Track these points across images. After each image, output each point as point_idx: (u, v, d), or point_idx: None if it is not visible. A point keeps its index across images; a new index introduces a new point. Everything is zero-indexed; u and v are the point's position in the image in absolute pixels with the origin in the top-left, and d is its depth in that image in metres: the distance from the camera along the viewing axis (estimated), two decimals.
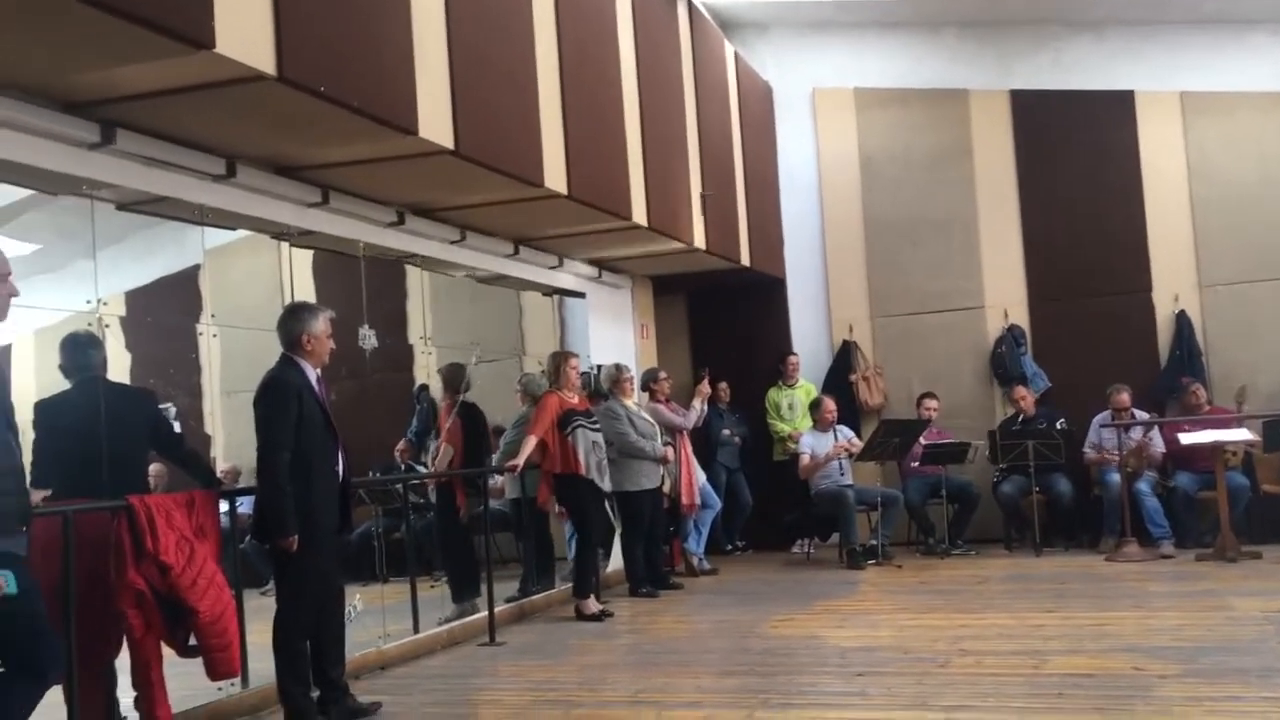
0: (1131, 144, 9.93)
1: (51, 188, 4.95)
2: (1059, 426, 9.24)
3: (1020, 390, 9.63)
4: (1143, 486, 8.78)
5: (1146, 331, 9.79)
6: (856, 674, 5.14)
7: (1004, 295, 10.24)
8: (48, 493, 4.00)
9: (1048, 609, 6.56)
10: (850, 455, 9.27)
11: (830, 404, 9.49)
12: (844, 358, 10.63)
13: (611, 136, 7.42)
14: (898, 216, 10.55)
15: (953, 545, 9.34)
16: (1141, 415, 9.09)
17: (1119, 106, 9.95)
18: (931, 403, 9.83)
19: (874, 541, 9.15)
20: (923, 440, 9.44)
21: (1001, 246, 10.25)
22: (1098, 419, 9.25)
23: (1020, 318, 10.20)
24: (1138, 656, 5.08)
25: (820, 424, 9.43)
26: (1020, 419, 9.53)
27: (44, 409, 4.73)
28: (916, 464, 9.47)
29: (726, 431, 9.96)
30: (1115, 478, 8.79)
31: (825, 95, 10.85)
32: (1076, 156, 10.05)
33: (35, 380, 5.82)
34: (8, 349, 6.08)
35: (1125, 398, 9.05)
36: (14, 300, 3.47)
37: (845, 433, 9.48)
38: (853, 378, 10.52)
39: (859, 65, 10.71)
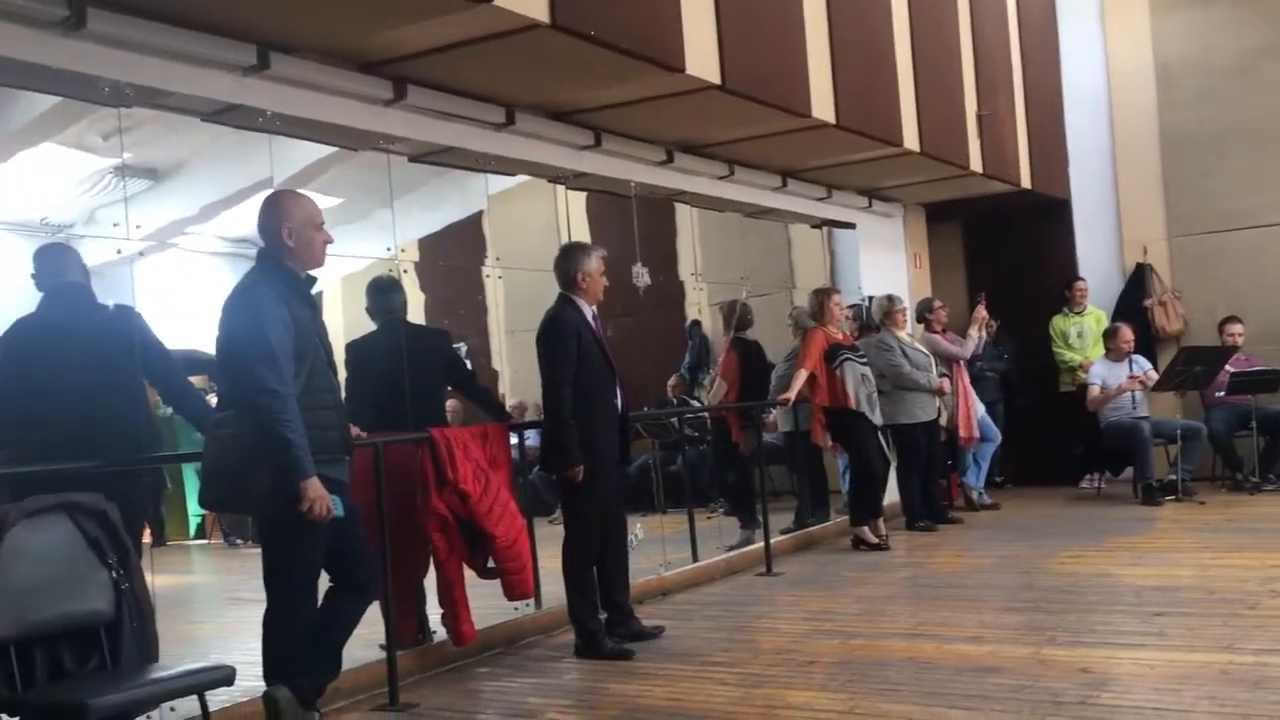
0: None
1: (352, 144, 5.34)
2: None
3: None
4: None
5: None
6: (1154, 614, 4.87)
7: None
8: (364, 433, 4.36)
9: None
10: (1145, 388, 8.70)
11: (1127, 332, 8.90)
12: (1137, 282, 9.94)
13: (880, 60, 7.19)
14: (1199, 128, 9.68)
15: (1264, 480, 8.61)
16: None
17: None
18: (1236, 328, 9.04)
19: (1173, 476, 8.57)
20: (1229, 368, 8.72)
21: None
22: None
23: None
24: None
25: (1114, 353, 8.88)
26: None
27: (354, 349, 5.15)
28: (1222, 394, 8.76)
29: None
30: None
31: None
32: None
33: (343, 323, 6.34)
34: (319, 295, 6.65)
35: None
36: (327, 249, 3.78)
37: (1141, 364, 8.88)
38: (1147, 303, 9.83)
39: None
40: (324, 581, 3.76)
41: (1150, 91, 9.92)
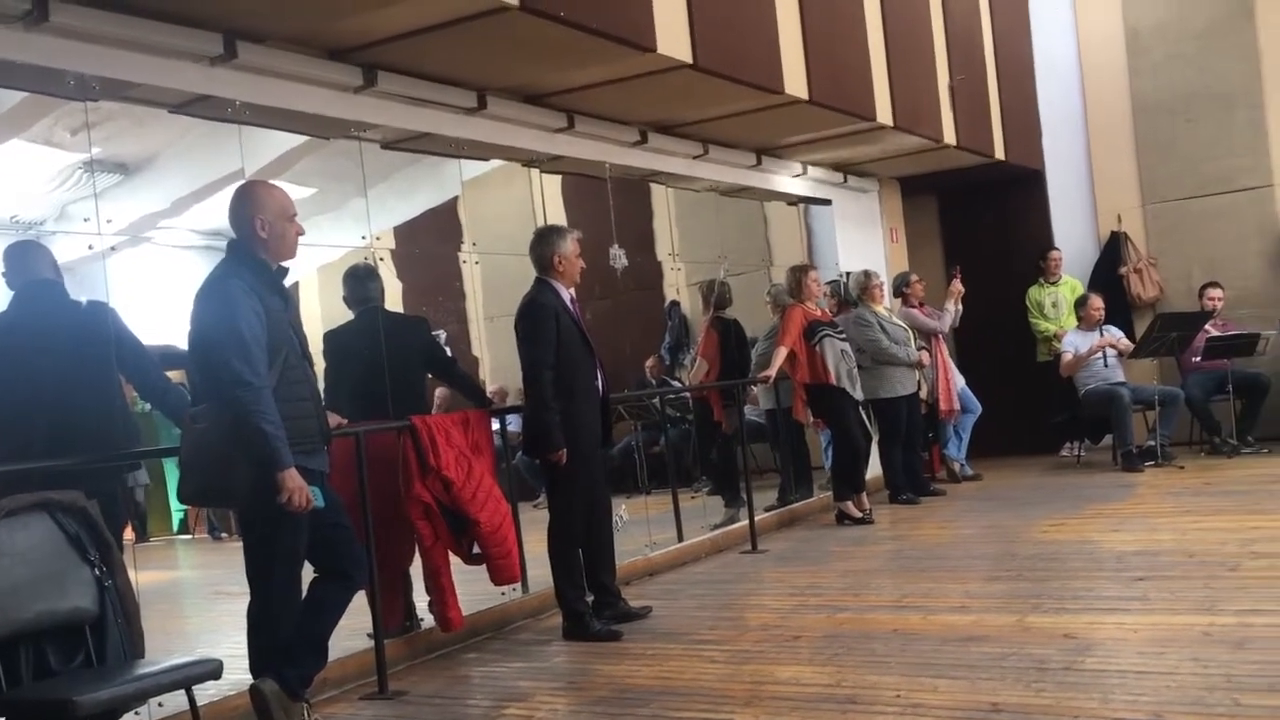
0: None
1: (324, 132, 5.30)
2: None
3: None
4: None
5: None
6: (1136, 578, 4.92)
7: None
8: (344, 421, 4.35)
9: None
10: (1118, 352, 8.76)
11: (1097, 300, 8.96)
12: (1112, 250, 10.00)
13: (851, 34, 7.19)
14: (1170, 94, 9.73)
15: (1242, 443, 8.69)
16: None
17: None
18: (1215, 292, 9.10)
19: (1151, 442, 8.64)
20: (1207, 329, 8.78)
21: None
22: None
23: None
24: None
25: (1086, 322, 8.94)
26: None
27: (332, 339, 5.13)
28: (1198, 359, 8.83)
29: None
30: None
31: None
32: None
33: (320, 313, 6.31)
34: (295, 286, 6.60)
35: None
36: (300, 240, 3.76)
37: (1113, 331, 8.94)
38: (1123, 270, 9.89)
39: None
40: (308, 572, 3.75)
41: (1120, 58, 9.95)
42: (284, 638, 3.59)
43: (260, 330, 3.46)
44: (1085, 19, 10.12)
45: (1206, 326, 8.84)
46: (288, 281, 3.81)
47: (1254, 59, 9.42)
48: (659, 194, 8.04)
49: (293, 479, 3.41)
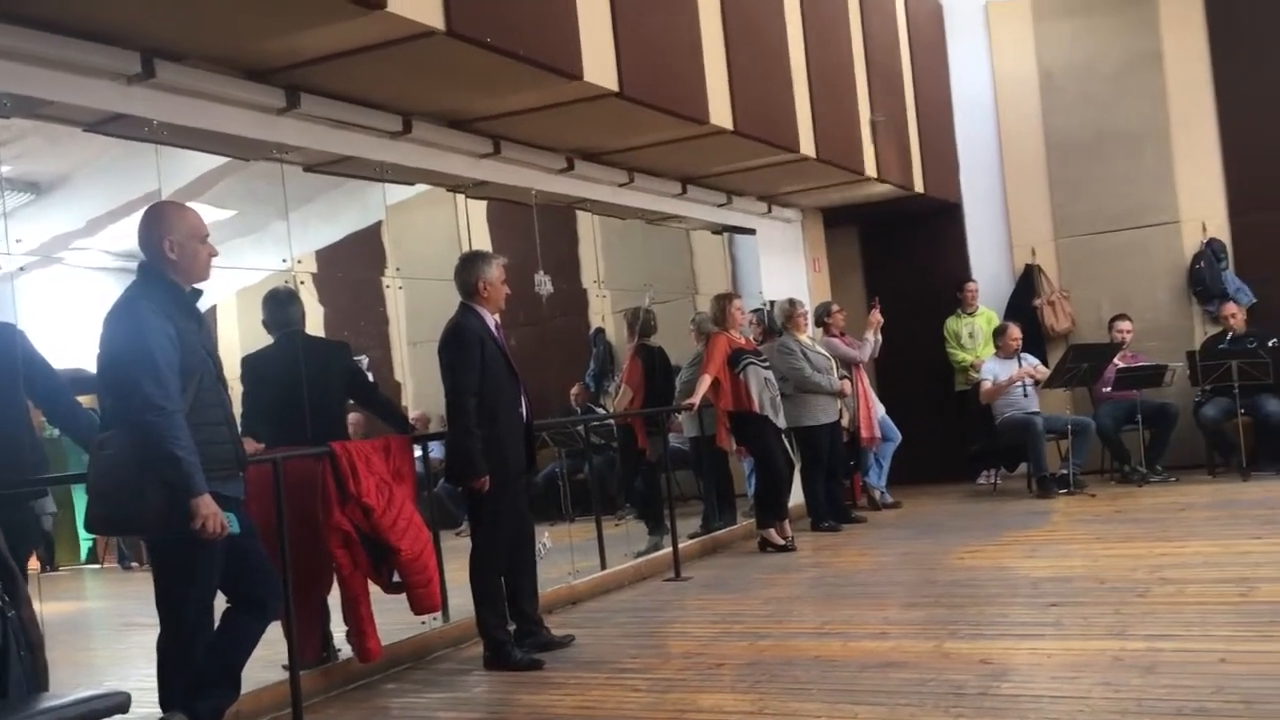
0: None
1: (245, 154, 5.22)
2: (1272, 344, 8.66)
3: (1230, 307, 9.08)
4: None
5: None
6: (1050, 604, 5.02)
7: (1201, 208, 9.65)
8: (262, 446, 4.27)
9: (1256, 535, 6.23)
10: (1036, 381, 8.97)
11: (1015, 330, 9.18)
12: (1027, 282, 10.25)
13: (776, 68, 7.30)
14: (1082, 132, 10.04)
15: (1150, 472, 8.94)
16: None
17: None
18: (1124, 324, 9.37)
19: (1065, 470, 8.85)
20: (1116, 363, 9.04)
21: (1198, 156, 9.65)
22: None
23: (1220, 231, 9.60)
24: None
25: (1004, 351, 9.14)
26: (1229, 337, 8.99)
27: (249, 363, 5.03)
28: (1109, 389, 9.08)
29: None
30: None
31: (1000, 8, 10.37)
32: (1279, 54, 9.31)
33: (239, 337, 6.19)
34: (212, 309, 6.48)
35: None
36: (216, 262, 3.69)
37: (1030, 359, 9.16)
38: (1037, 302, 10.15)
39: None
40: (221, 601, 3.66)
41: (1035, 98, 10.25)
42: (195, 670, 3.50)
43: (172, 353, 3.38)
44: (1000, 59, 10.41)
45: (1116, 359, 9.09)
46: (203, 304, 3.74)
47: (1161, 100, 9.77)
48: (585, 221, 8.05)
49: (206, 505, 3.33)
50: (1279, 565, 5.34)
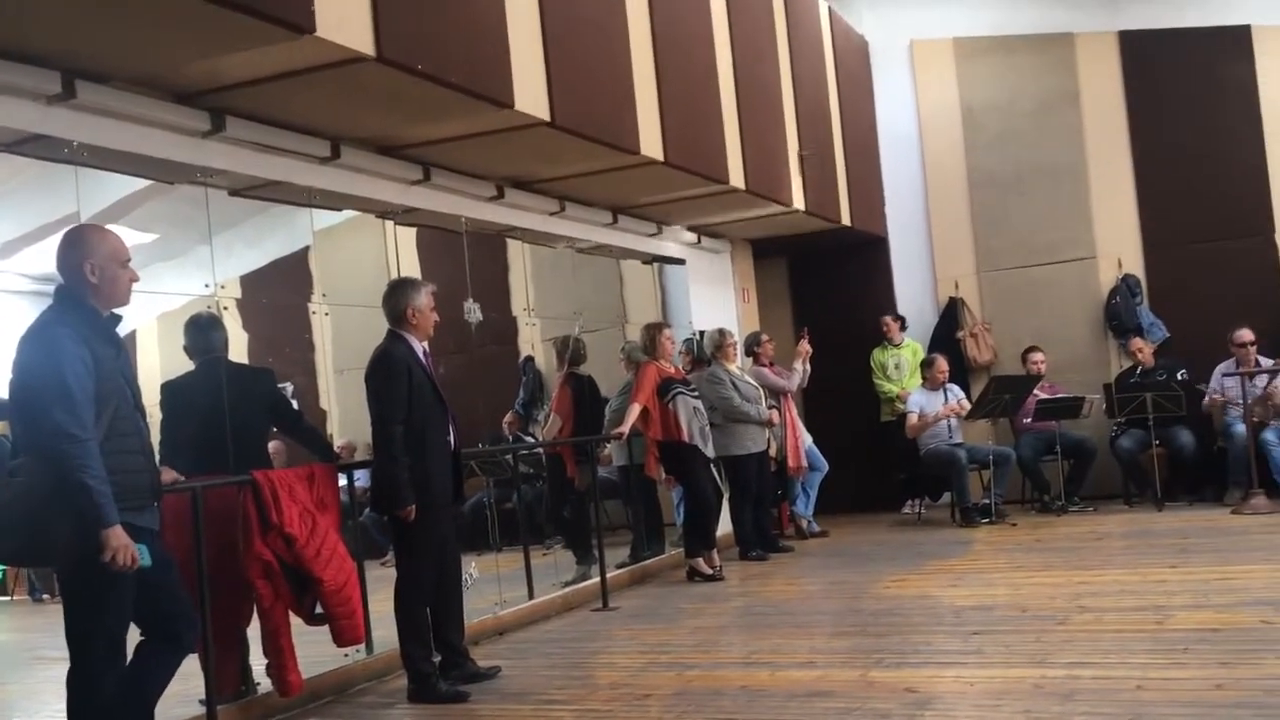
0: (1249, 80, 9.50)
1: (168, 177, 5.13)
2: (1180, 377, 8.93)
3: (1137, 342, 9.34)
4: (1270, 436, 8.44)
5: (1269, 275, 9.40)
6: (972, 632, 5.09)
7: (1117, 244, 9.93)
8: (182, 477, 4.17)
9: (1171, 564, 6.39)
10: (960, 416, 9.13)
11: (943, 363, 9.33)
12: (950, 315, 10.45)
13: (706, 101, 7.38)
14: (1003, 168, 10.29)
15: (1069, 502, 9.13)
16: (1266, 363, 8.74)
17: (1234, 42, 9.52)
18: (1037, 356, 9.57)
19: (987, 500, 9.00)
20: (1036, 394, 9.23)
21: (1113, 194, 9.94)
22: (1221, 367, 8.93)
23: (1135, 266, 9.88)
24: (1266, 610, 4.92)
25: (931, 383, 9.29)
26: (1139, 371, 9.24)
27: (169, 390, 4.92)
28: (1029, 420, 9.27)
29: None
30: (1240, 428, 8.46)
31: (924, 47, 10.61)
32: (1190, 96, 9.65)
33: (160, 363, 6.06)
34: (132, 334, 6.33)
35: (1246, 333, 8.67)
36: (137, 287, 3.61)
37: (956, 392, 9.31)
38: (960, 335, 10.34)
39: (958, 14, 10.43)
40: (135, 634, 3.56)
41: (958, 134, 10.49)
42: (106, 705, 3.39)
43: (87, 380, 3.29)
44: (925, 96, 10.63)
45: (1036, 390, 9.29)
46: (122, 329, 3.65)
47: (1079, 138, 10.05)
48: (515, 249, 8.04)
49: (117, 537, 3.24)
50: (1193, 594, 5.47)
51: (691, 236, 9.25)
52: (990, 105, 10.37)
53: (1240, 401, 8.45)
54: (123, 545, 3.25)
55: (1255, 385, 8.56)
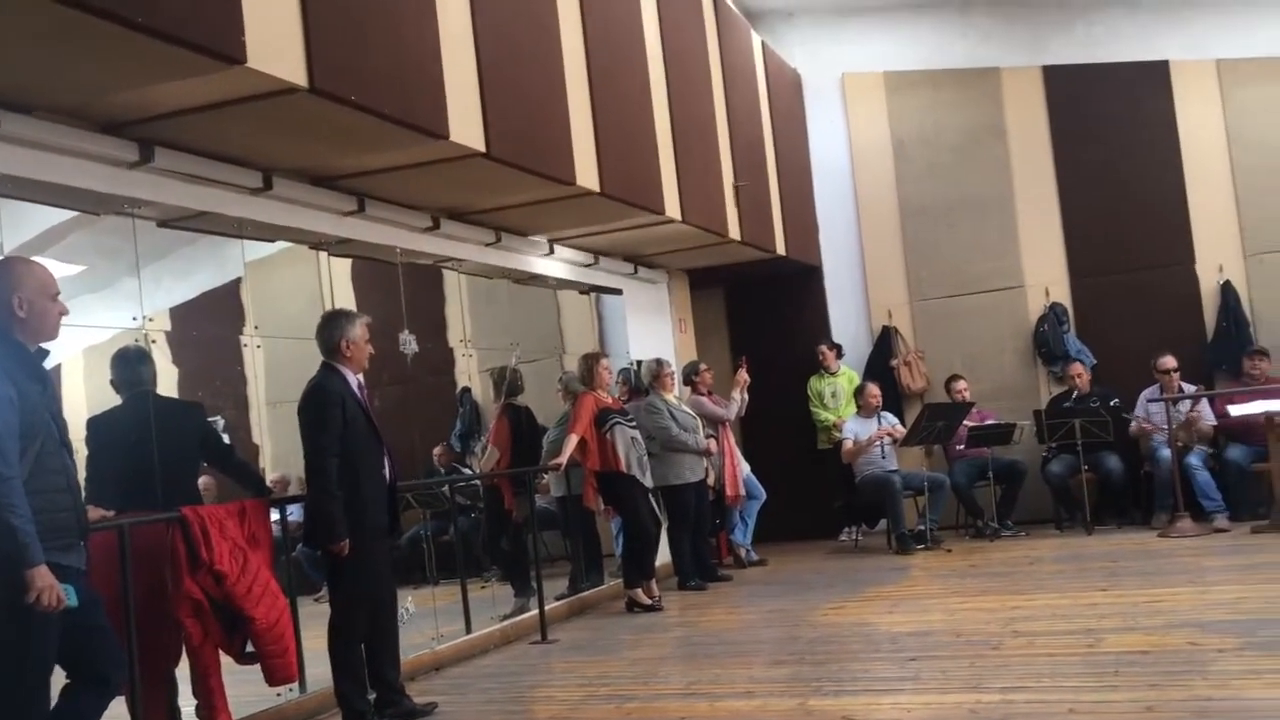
0: (1168, 115, 9.80)
1: (94, 208, 5.03)
2: (1113, 404, 9.13)
3: (1076, 367, 9.53)
4: (1194, 460, 8.67)
5: (1191, 304, 9.67)
6: (909, 659, 5.13)
7: (1044, 273, 10.16)
8: (110, 513, 4.08)
9: (1101, 587, 6.50)
10: (894, 440, 9.24)
11: (874, 390, 9.46)
12: (884, 343, 10.59)
13: (642, 132, 7.43)
14: (933, 199, 10.49)
15: (1002, 527, 9.27)
16: (1189, 389, 8.97)
17: (1154, 77, 9.82)
18: (961, 384, 9.73)
19: (921, 526, 9.11)
20: (967, 423, 9.38)
21: (1040, 225, 10.17)
22: (1145, 394, 9.14)
23: (1062, 295, 10.11)
24: (1194, 631, 5.03)
25: (864, 410, 9.40)
26: (1074, 395, 9.42)
27: (96, 425, 4.82)
28: (962, 447, 9.41)
29: None
30: (1166, 453, 8.66)
31: (855, 80, 10.80)
32: (1113, 130, 9.93)
33: (86, 398, 5.92)
34: (58, 368, 6.19)
35: (1169, 360, 8.90)
36: (64, 320, 3.54)
37: (889, 419, 9.44)
38: (894, 363, 10.48)
39: (888, 49, 10.65)
40: (60, 676, 3.46)
41: (889, 165, 10.68)
42: None
43: (12, 416, 3.21)
44: (856, 128, 10.81)
45: (967, 419, 9.43)
46: (49, 363, 3.57)
47: (1006, 171, 10.29)
48: (451, 280, 8.00)
49: (43, 576, 3.15)
50: (1123, 616, 5.57)
51: (628, 267, 9.28)
52: (920, 138, 10.57)
53: (1165, 427, 8.66)
54: (48, 585, 3.16)
55: (1179, 411, 8.77)
